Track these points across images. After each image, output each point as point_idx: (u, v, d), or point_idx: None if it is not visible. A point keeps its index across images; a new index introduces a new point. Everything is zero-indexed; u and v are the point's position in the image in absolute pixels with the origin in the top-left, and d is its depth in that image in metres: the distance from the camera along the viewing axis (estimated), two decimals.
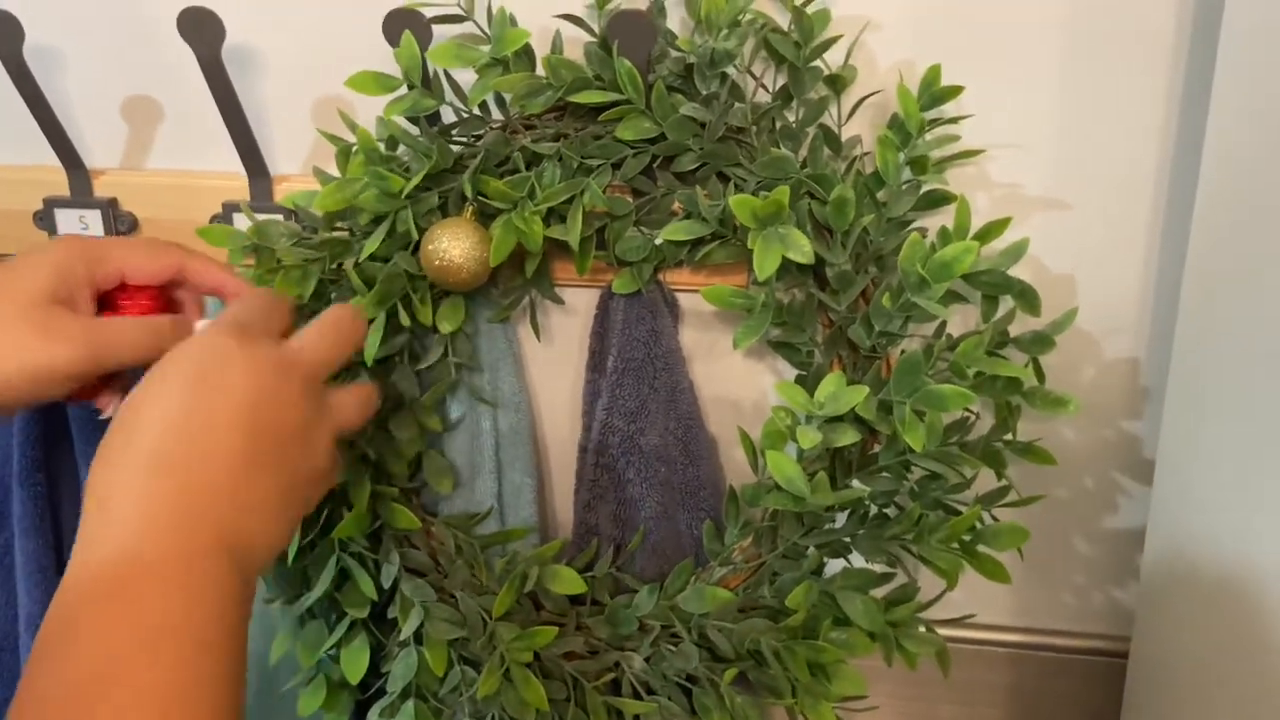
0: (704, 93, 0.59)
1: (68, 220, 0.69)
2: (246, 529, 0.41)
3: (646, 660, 0.63)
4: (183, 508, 0.39)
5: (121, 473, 0.40)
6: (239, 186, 0.66)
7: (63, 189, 0.68)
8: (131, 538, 0.38)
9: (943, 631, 0.63)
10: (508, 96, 0.61)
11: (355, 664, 0.63)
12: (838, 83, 0.61)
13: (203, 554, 0.39)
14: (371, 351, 0.61)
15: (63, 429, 0.69)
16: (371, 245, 0.60)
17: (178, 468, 0.40)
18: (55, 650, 0.36)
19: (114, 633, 0.36)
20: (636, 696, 0.62)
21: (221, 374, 0.42)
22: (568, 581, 0.63)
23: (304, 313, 0.62)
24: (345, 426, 0.48)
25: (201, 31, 0.59)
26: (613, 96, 0.58)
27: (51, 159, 0.67)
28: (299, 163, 0.69)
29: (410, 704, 0.63)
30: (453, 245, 0.59)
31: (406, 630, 0.62)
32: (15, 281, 0.46)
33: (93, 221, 0.68)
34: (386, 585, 0.63)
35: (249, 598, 0.41)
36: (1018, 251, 0.61)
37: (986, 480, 0.64)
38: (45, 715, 0.35)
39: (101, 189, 0.68)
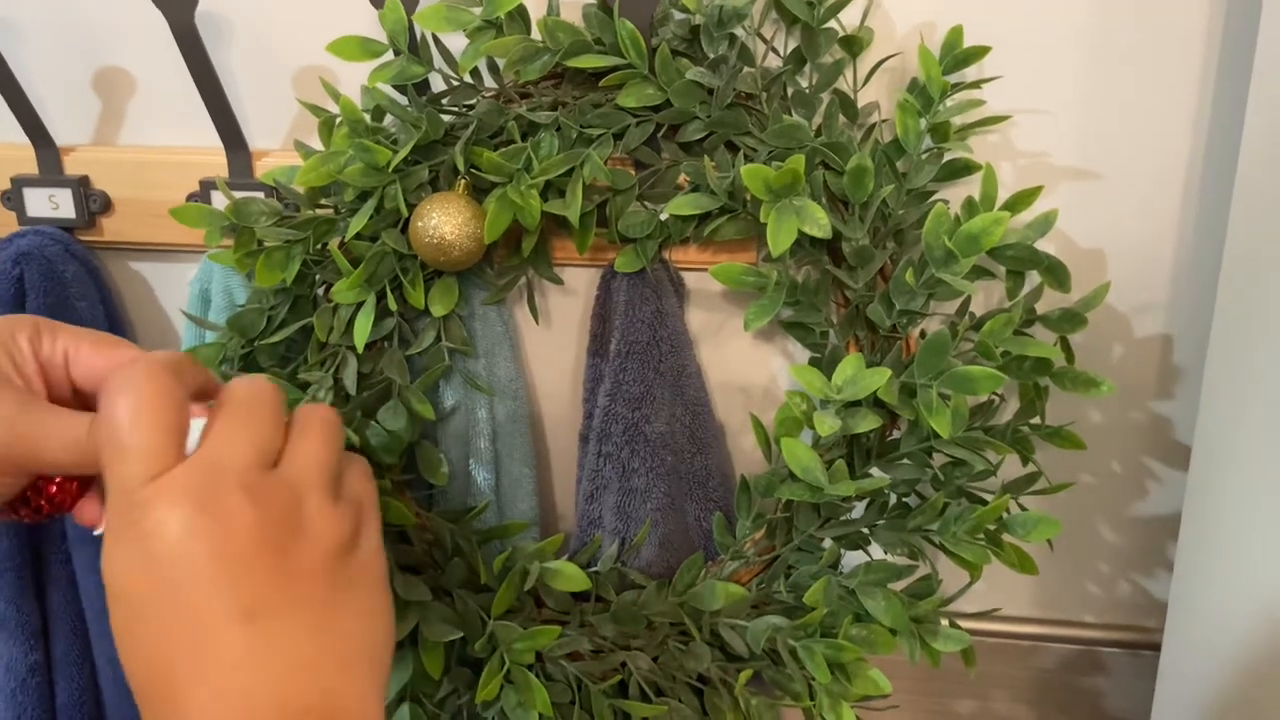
0: (711, 56, 0.56)
1: (37, 200, 0.65)
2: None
3: (655, 660, 0.60)
4: None
5: None
6: (217, 162, 0.63)
7: (31, 167, 0.65)
8: None
9: (963, 624, 0.60)
10: (501, 62, 0.57)
11: None
12: (854, 45, 0.57)
13: None
14: (361, 336, 0.58)
15: None
16: (358, 223, 0.57)
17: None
18: None
19: None
20: (644, 698, 0.59)
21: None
22: (571, 578, 0.60)
23: (286, 295, 0.59)
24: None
25: None
26: (614, 61, 0.55)
27: (18, 135, 0.63)
28: (280, 137, 0.65)
29: (405, 709, 0.60)
30: (444, 222, 0.56)
31: (401, 632, 0.59)
32: None
33: (63, 201, 0.65)
34: None
35: None
36: (1046, 223, 0.58)
37: (1009, 467, 0.60)
38: None
39: (72, 167, 0.65)
